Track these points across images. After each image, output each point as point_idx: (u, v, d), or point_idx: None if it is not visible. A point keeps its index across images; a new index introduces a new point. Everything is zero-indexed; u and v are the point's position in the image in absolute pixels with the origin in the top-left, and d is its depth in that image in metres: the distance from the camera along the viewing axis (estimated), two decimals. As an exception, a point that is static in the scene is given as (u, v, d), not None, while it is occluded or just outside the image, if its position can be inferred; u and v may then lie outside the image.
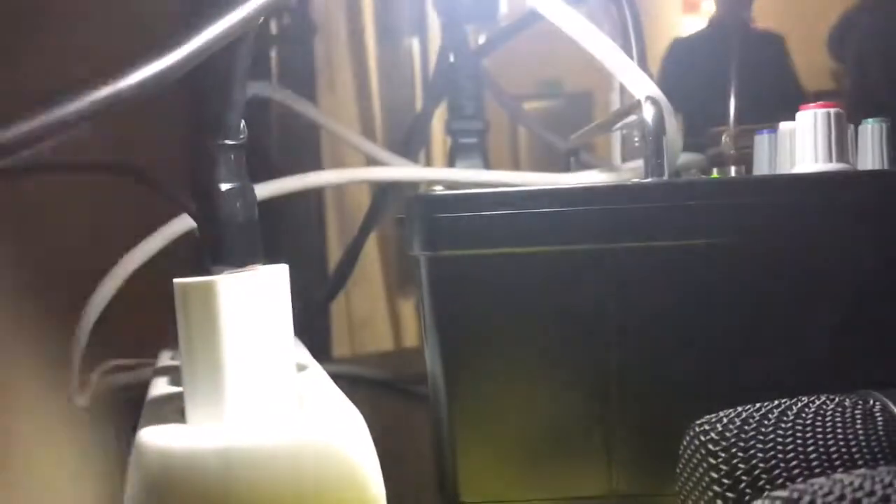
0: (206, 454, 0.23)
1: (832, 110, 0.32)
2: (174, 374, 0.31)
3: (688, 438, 0.25)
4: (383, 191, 0.55)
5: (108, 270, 0.38)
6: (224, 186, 0.25)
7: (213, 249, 0.25)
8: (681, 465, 0.25)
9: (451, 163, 0.47)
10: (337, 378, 0.31)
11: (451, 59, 0.47)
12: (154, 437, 0.24)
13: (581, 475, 0.30)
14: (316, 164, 0.74)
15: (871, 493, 0.18)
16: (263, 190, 0.42)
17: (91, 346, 0.38)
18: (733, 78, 0.56)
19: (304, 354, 0.34)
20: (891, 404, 0.24)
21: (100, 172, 0.33)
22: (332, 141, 0.73)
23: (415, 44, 0.99)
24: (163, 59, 0.22)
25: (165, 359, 0.36)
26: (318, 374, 0.30)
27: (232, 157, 0.25)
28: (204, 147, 0.25)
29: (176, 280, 0.25)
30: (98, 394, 0.44)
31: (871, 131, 0.34)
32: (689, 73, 0.74)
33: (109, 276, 0.38)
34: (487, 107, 0.71)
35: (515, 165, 1.08)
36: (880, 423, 0.23)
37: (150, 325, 0.37)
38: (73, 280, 0.39)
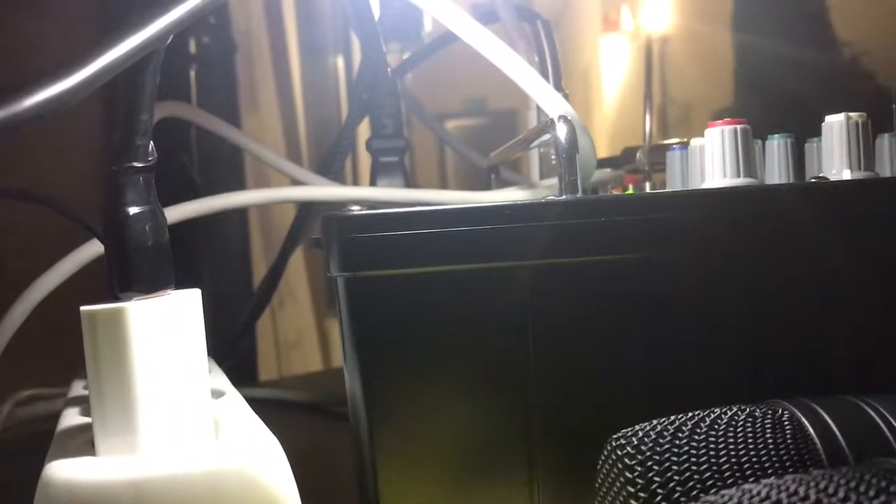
0: (117, 486, 0.22)
1: (738, 127, 0.32)
2: (86, 405, 0.30)
3: (605, 453, 0.25)
4: (306, 209, 0.54)
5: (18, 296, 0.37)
6: (132, 210, 0.24)
7: (122, 275, 0.24)
8: (599, 480, 0.26)
9: (372, 182, 0.47)
10: (261, 403, 0.30)
11: (370, 77, 0.47)
12: (61, 469, 0.23)
13: (503, 494, 0.30)
14: (239, 183, 0.73)
15: (777, 503, 0.19)
16: (186, 210, 0.41)
17: (-1, 376, 0.36)
18: (647, 95, 0.58)
19: (221, 380, 0.33)
20: (798, 413, 0.24)
21: (7, 196, 0.32)
22: (256, 159, 0.72)
23: (340, 61, 0.99)
24: (64, 79, 0.21)
25: (78, 388, 0.35)
26: (235, 399, 0.30)
27: (140, 179, 0.25)
28: (111, 170, 0.25)
29: (83, 308, 0.24)
30: (9, 426, 0.43)
31: (776, 146, 0.35)
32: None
33: (18, 303, 0.37)
34: (414, 126, 0.71)
35: (443, 184, 1.09)
36: (788, 433, 0.24)
37: (63, 354, 0.36)
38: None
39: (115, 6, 0.58)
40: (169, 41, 0.24)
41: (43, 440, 0.27)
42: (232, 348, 0.59)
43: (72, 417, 0.29)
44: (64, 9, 0.58)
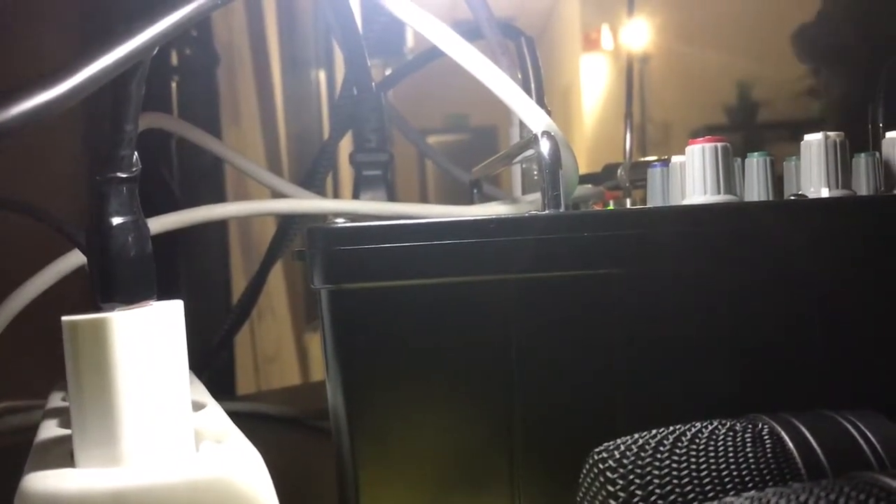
0: (97, 497, 0.22)
1: (719, 144, 0.33)
2: (64, 416, 0.30)
3: (587, 466, 0.25)
4: (287, 223, 0.54)
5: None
6: (115, 220, 0.24)
7: (104, 285, 0.24)
8: (581, 494, 0.26)
9: (355, 195, 0.47)
10: (239, 416, 0.30)
11: (354, 91, 0.47)
12: (40, 481, 0.23)
13: (485, 507, 0.30)
14: (220, 196, 0.73)
15: (758, 515, 0.19)
16: (166, 222, 0.41)
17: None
18: (628, 112, 0.58)
19: (201, 392, 0.33)
20: (778, 428, 0.25)
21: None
22: (237, 172, 0.72)
23: (321, 75, 0.99)
24: (49, 89, 0.21)
25: (56, 400, 0.34)
26: (215, 412, 0.30)
27: (124, 190, 0.25)
28: (94, 180, 0.24)
29: (64, 318, 0.24)
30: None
31: (756, 165, 0.36)
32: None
33: (-3, 314, 0.36)
34: (396, 140, 0.72)
35: (423, 198, 1.09)
36: (769, 447, 0.24)
37: (41, 365, 0.35)
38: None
39: (98, 21, 0.58)
40: (155, 52, 0.24)
41: (20, 452, 0.27)
42: (210, 361, 0.58)
43: (50, 429, 0.29)
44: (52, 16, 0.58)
